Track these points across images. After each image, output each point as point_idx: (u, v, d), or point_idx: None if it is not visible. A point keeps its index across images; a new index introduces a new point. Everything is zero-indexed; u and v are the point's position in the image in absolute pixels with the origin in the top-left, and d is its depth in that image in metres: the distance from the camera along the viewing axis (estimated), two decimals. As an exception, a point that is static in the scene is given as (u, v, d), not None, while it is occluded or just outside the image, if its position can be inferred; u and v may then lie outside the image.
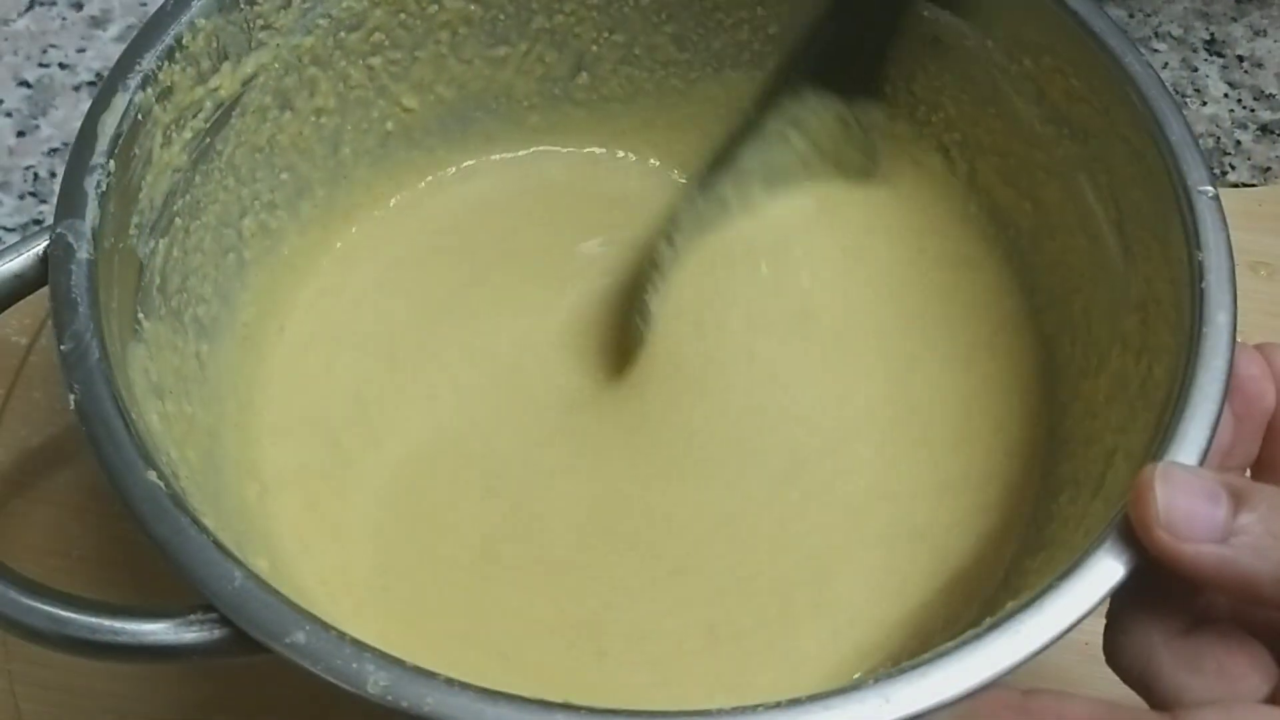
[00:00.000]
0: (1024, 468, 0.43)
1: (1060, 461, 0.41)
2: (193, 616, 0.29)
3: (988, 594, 0.39)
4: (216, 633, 0.29)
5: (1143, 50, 0.41)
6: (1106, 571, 0.30)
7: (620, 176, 0.50)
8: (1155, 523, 0.29)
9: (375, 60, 0.45)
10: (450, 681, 0.27)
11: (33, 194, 0.53)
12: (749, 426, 0.43)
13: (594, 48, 0.48)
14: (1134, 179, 0.39)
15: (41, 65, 0.57)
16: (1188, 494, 0.29)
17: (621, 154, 0.50)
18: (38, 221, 0.52)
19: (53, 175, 0.53)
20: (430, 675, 0.27)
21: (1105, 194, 0.40)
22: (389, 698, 0.27)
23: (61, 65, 0.57)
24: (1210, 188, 0.36)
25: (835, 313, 0.46)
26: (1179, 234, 0.36)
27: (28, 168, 0.53)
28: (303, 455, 0.42)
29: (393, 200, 0.48)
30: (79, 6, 0.59)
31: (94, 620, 0.29)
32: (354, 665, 0.27)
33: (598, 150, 0.50)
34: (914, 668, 0.28)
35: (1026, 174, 0.44)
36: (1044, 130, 0.43)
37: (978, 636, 0.29)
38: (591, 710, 0.28)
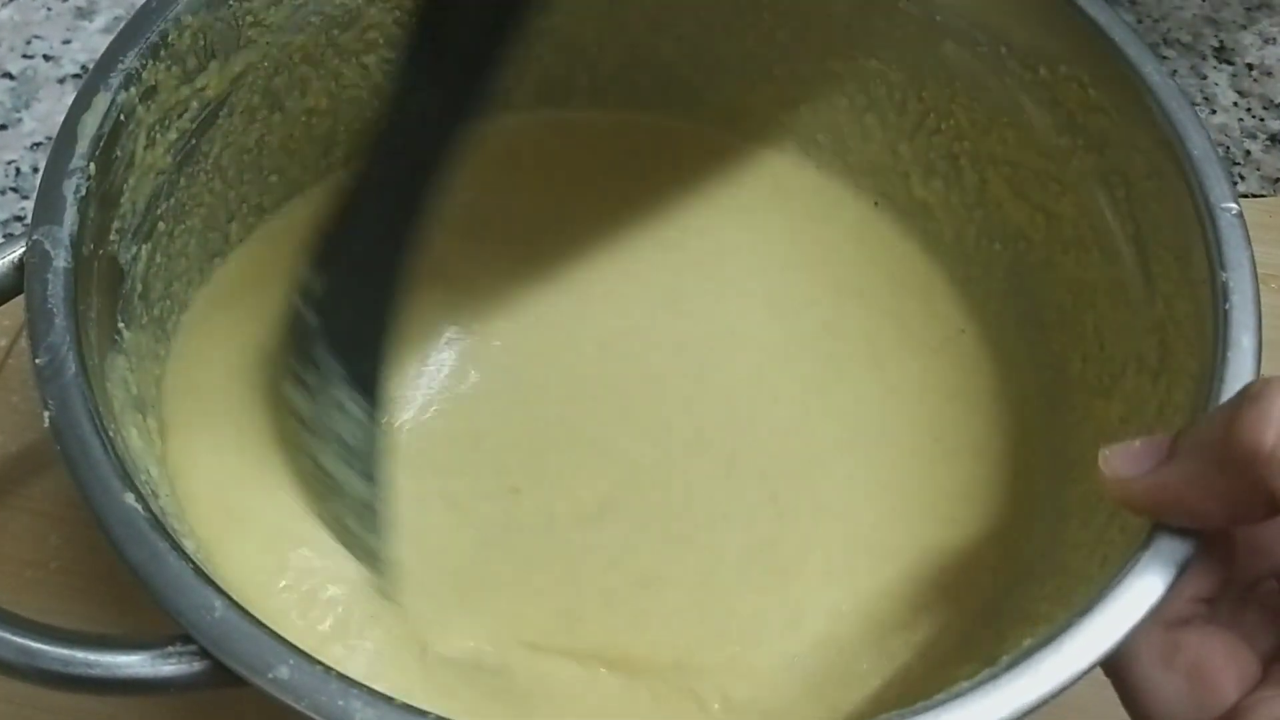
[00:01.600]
0: (1025, 487, 0.42)
1: (1069, 484, 0.39)
2: (171, 648, 0.28)
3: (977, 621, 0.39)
4: (196, 665, 0.27)
5: (1149, 57, 0.40)
6: (1129, 607, 0.29)
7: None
8: (1106, 480, 0.30)
9: (369, 59, 0.44)
10: (440, 720, 0.26)
11: (14, 189, 0.51)
12: (734, 436, 0.42)
13: (594, 49, 0.47)
14: (1153, 193, 0.38)
15: (25, 57, 0.55)
16: (1128, 447, 0.31)
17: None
18: (19, 218, 0.50)
19: (35, 170, 0.52)
20: (420, 713, 0.26)
21: (1122, 209, 0.39)
22: (376, 736, 0.26)
23: (46, 57, 0.55)
24: (1234, 204, 0.35)
25: (826, 331, 0.45)
26: (1200, 252, 0.35)
27: (9, 162, 0.52)
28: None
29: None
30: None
31: (66, 652, 0.27)
32: (340, 702, 0.26)
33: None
34: (929, 709, 0.27)
35: (1039, 186, 0.43)
36: (1059, 141, 0.41)
37: (995, 676, 0.28)
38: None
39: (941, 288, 0.46)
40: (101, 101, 0.34)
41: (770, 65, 0.47)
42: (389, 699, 0.26)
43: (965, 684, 0.28)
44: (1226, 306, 0.34)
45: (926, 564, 0.40)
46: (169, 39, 0.36)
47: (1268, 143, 0.56)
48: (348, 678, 0.27)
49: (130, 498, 0.29)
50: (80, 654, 0.27)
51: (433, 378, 0.43)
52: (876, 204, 0.48)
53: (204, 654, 0.27)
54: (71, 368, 0.31)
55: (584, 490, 0.41)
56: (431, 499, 0.40)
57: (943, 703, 0.27)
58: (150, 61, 0.36)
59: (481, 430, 0.42)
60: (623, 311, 0.45)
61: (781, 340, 0.45)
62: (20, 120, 0.53)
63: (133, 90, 0.35)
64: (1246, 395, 0.28)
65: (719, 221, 0.48)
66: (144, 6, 0.36)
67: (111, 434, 0.31)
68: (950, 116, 0.45)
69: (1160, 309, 0.37)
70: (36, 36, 0.56)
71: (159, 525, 0.29)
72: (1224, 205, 0.36)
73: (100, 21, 0.56)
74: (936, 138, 0.46)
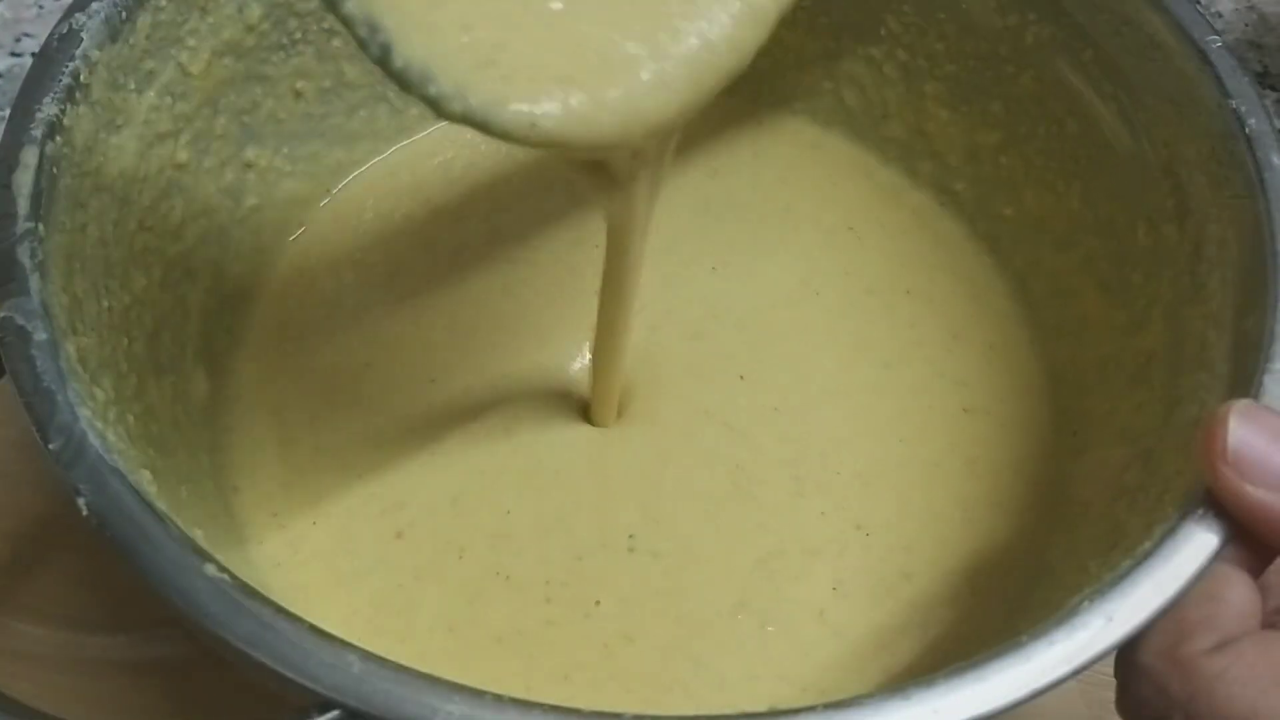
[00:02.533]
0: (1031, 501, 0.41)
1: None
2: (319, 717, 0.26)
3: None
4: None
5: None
6: (1095, 633, 0.27)
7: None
8: (1220, 457, 0.28)
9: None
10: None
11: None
12: (744, 443, 0.41)
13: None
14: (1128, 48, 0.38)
15: (14, 55, 0.55)
16: (1266, 435, 0.28)
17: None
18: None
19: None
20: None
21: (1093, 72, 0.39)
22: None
23: (35, 55, 0.55)
24: (1217, 37, 0.36)
25: (835, 334, 0.44)
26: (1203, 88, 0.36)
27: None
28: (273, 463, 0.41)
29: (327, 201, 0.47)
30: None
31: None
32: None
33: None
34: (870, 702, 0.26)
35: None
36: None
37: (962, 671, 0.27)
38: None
39: (985, 274, 0.45)
40: (30, 155, 0.33)
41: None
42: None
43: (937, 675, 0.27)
44: (1248, 130, 0.34)
45: (950, 560, 0.40)
46: (81, 79, 0.35)
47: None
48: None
49: (211, 568, 0.27)
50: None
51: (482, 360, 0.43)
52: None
53: (353, 714, 0.26)
54: (95, 446, 0.29)
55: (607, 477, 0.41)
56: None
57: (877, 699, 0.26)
58: (68, 106, 0.34)
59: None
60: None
61: (814, 310, 0.45)
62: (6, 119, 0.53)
63: (58, 140, 0.34)
64: None
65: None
66: (45, 49, 0.35)
67: (163, 510, 0.29)
68: (883, 24, 0.44)
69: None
70: (26, 34, 0.56)
71: (252, 591, 0.27)
72: (1209, 39, 0.35)
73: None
74: (876, 48, 0.45)
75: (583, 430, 0.41)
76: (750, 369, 0.43)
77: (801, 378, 0.43)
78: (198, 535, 0.29)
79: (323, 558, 0.39)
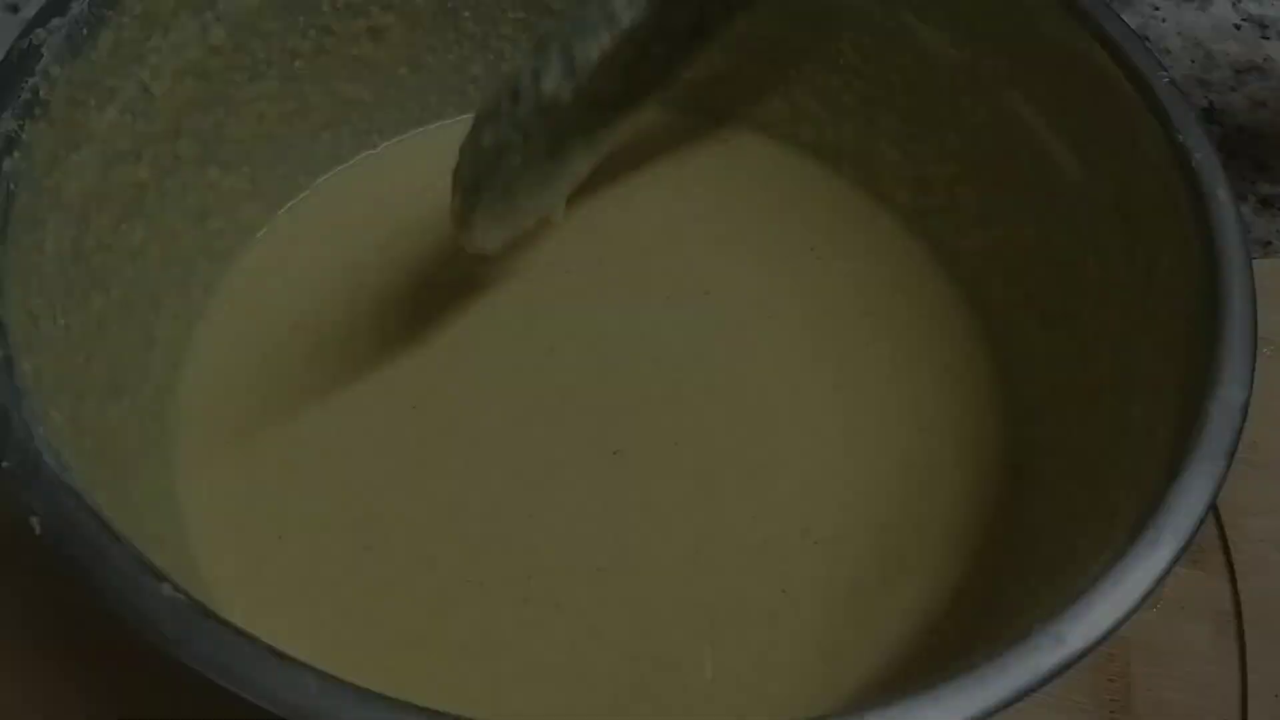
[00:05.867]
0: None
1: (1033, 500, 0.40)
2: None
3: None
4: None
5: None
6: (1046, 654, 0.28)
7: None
8: None
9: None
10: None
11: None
12: (694, 459, 0.42)
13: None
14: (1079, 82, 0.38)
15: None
16: None
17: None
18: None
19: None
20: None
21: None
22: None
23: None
24: (1165, 72, 0.37)
25: (788, 354, 0.45)
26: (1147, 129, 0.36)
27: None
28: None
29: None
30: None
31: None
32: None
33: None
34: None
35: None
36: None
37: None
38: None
39: (945, 298, 0.46)
40: (-15, 171, 0.33)
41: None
42: None
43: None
44: (1193, 163, 0.35)
45: (902, 579, 0.40)
46: (40, 95, 0.35)
47: (1258, 205, 0.54)
48: None
49: (167, 588, 0.27)
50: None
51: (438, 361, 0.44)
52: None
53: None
54: (50, 464, 0.29)
55: (557, 486, 0.41)
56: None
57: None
58: (27, 121, 0.34)
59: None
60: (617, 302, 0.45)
61: (768, 332, 0.45)
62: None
63: (16, 155, 0.33)
64: None
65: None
66: (4, 63, 0.35)
67: (120, 530, 0.28)
68: (840, 55, 0.45)
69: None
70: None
71: (209, 612, 0.27)
72: (1157, 74, 0.36)
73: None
74: (835, 77, 0.46)
75: (554, 446, 0.42)
76: (702, 389, 0.43)
77: (749, 396, 0.43)
78: (155, 558, 0.29)
79: (287, 573, 0.39)
